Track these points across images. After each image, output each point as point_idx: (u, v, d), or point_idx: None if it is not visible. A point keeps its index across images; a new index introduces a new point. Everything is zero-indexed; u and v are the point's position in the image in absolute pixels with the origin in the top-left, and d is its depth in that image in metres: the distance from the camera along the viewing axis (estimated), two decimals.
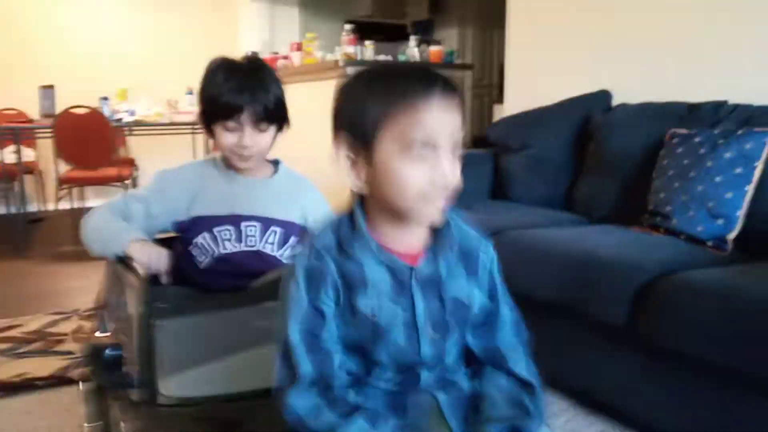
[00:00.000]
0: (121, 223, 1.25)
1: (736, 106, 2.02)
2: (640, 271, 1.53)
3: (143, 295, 1.01)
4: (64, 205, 4.36)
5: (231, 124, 1.22)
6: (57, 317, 2.52)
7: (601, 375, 1.61)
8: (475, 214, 2.23)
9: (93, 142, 3.68)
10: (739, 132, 1.85)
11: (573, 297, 1.64)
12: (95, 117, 3.62)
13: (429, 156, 0.73)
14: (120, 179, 3.87)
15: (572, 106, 2.59)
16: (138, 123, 4.01)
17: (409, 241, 0.81)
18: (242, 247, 1.25)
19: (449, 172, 0.74)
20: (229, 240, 1.25)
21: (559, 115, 2.61)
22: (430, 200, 0.75)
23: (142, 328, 0.98)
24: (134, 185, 4.16)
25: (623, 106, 2.42)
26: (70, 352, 2.15)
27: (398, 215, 0.78)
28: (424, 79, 0.74)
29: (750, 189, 1.79)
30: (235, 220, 1.26)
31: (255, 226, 1.27)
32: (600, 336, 1.59)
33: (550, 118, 2.62)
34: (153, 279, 1.18)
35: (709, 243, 1.81)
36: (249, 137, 1.23)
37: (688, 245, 1.82)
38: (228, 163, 1.31)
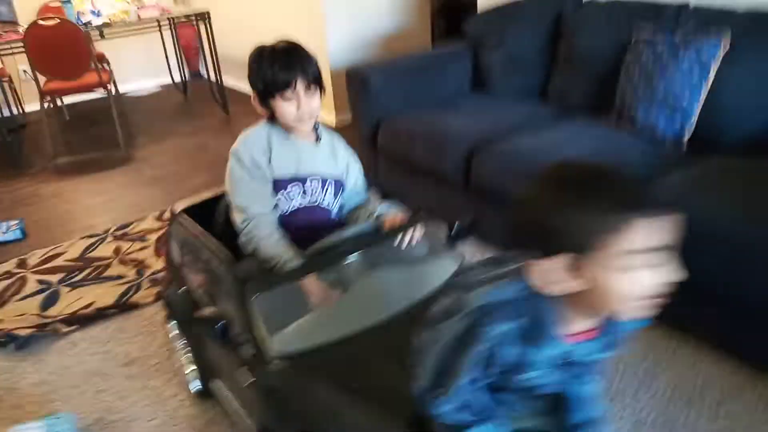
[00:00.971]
0: (270, 246, 1.42)
1: (697, 9, 2.21)
2: None
3: (245, 297, 1.24)
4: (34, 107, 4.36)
5: (288, 93, 1.43)
6: (92, 239, 2.79)
7: None
8: (461, 114, 2.53)
9: (68, 53, 3.65)
10: (697, 39, 2.07)
11: None
12: (67, 28, 3.56)
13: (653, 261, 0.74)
14: (101, 84, 3.89)
15: (545, 2, 2.72)
16: (107, 25, 3.93)
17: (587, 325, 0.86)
18: (306, 203, 1.53)
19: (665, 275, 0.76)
20: (298, 197, 1.52)
21: (532, 12, 2.75)
22: (647, 301, 0.77)
23: (242, 308, 1.25)
24: (115, 87, 4.20)
25: (592, 4, 2.57)
26: (120, 276, 2.46)
27: (600, 311, 0.82)
28: (633, 198, 0.76)
29: (704, 92, 2.06)
30: (302, 179, 1.52)
31: (317, 183, 1.54)
32: None
33: (524, 15, 2.77)
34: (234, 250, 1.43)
35: (669, 141, 2.12)
36: (305, 102, 1.46)
37: (651, 145, 2.12)
38: (287, 129, 1.51)
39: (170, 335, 1.80)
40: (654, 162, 1.96)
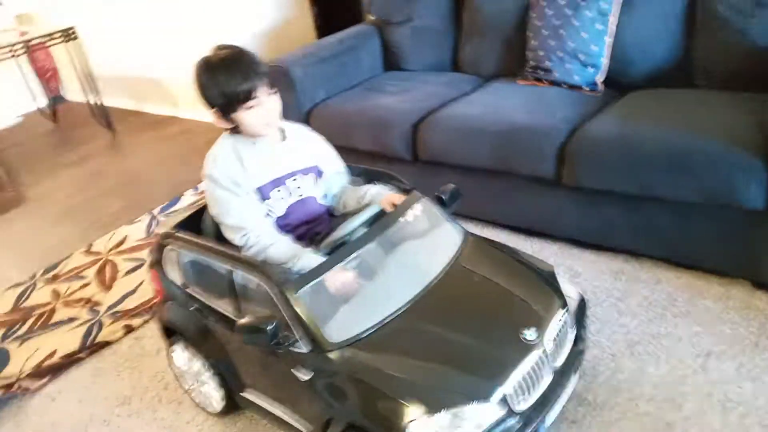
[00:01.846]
0: (281, 252, 1.40)
1: None
2: (556, 131, 2.03)
3: (289, 297, 1.25)
4: None
5: (252, 102, 1.41)
6: (19, 289, 2.56)
7: (539, 212, 2.18)
8: (388, 93, 2.61)
9: None
10: None
11: (506, 162, 2.12)
12: None
13: None
14: None
15: None
16: None
17: None
18: (294, 200, 1.53)
19: None
20: (284, 198, 1.52)
21: None
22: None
23: (287, 306, 1.26)
24: None
25: None
26: (72, 319, 2.29)
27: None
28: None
29: (608, 39, 2.31)
30: (282, 180, 1.51)
31: (296, 180, 1.54)
32: (533, 185, 2.12)
33: None
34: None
35: (586, 88, 2.36)
36: (269, 106, 1.44)
37: (570, 92, 2.34)
38: (253, 136, 1.48)
39: (175, 360, 1.73)
40: (582, 109, 2.18)
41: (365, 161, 2.59)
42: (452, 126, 2.26)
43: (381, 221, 1.42)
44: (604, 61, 2.32)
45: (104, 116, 4.36)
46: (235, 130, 1.48)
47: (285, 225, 1.52)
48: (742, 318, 1.73)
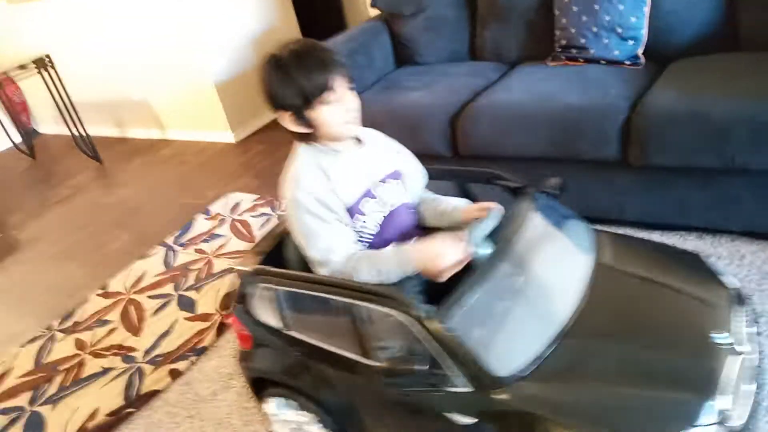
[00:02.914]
0: (381, 263, 1.23)
1: None
2: (615, 109, 1.91)
3: (438, 331, 1.06)
4: None
5: (331, 96, 1.23)
6: (37, 344, 2.33)
7: (602, 197, 2.05)
8: (412, 89, 2.46)
9: None
10: None
11: (564, 147, 1.99)
12: None
13: None
14: None
15: None
16: None
17: None
18: (384, 212, 1.35)
19: None
20: (376, 211, 1.34)
21: None
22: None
23: (434, 340, 1.06)
24: None
25: None
26: (108, 369, 2.09)
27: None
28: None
29: (647, 9, 2.20)
30: (370, 193, 1.34)
31: (384, 188, 1.37)
32: (594, 170, 2.00)
33: None
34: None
35: (627, 62, 2.24)
36: (351, 100, 1.27)
37: (610, 68, 2.23)
38: (332, 141, 1.31)
39: (273, 417, 1.53)
40: (632, 84, 2.06)
41: None
42: (497, 115, 2.13)
43: (507, 227, 1.21)
44: (644, 32, 2.22)
45: (89, 146, 4.10)
46: (310, 138, 1.30)
47: (382, 242, 1.33)
48: None
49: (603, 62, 2.28)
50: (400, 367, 1.08)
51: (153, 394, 1.92)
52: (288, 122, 1.28)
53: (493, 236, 1.18)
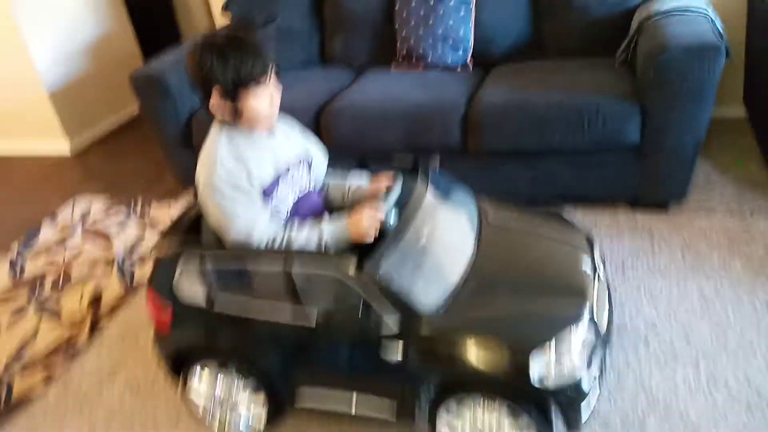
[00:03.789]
0: (302, 238, 1.35)
1: None
2: (456, 105, 2.27)
3: (371, 279, 1.24)
4: None
5: (262, 86, 1.32)
6: None
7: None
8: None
9: None
10: None
11: (416, 139, 2.29)
12: None
13: None
14: None
15: None
16: None
17: None
18: (297, 194, 1.47)
19: None
20: (290, 193, 1.44)
21: None
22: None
23: (371, 288, 1.24)
24: None
25: None
26: None
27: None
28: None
29: (471, 23, 2.62)
30: (285, 174, 1.43)
31: (296, 171, 1.47)
32: (444, 157, 2.32)
33: None
34: None
35: (458, 68, 2.64)
36: (276, 95, 1.38)
37: (445, 73, 2.61)
38: (251, 126, 1.38)
39: (197, 389, 1.56)
40: (464, 85, 2.44)
41: None
42: (356, 114, 2.38)
43: (416, 192, 1.44)
44: (471, 43, 2.63)
45: None
46: (231, 122, 1.37)
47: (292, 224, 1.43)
48: (633, 233, 2.14)
49: (439, 68, 2.65)
50: (337, 318, 1.23)
51: (27, 401, 1.84)
52: (214, 103, 1.34)
53: (398, 205, 1.39)
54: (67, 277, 2.43)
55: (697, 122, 2.02)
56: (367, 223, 1.33)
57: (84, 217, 2.88)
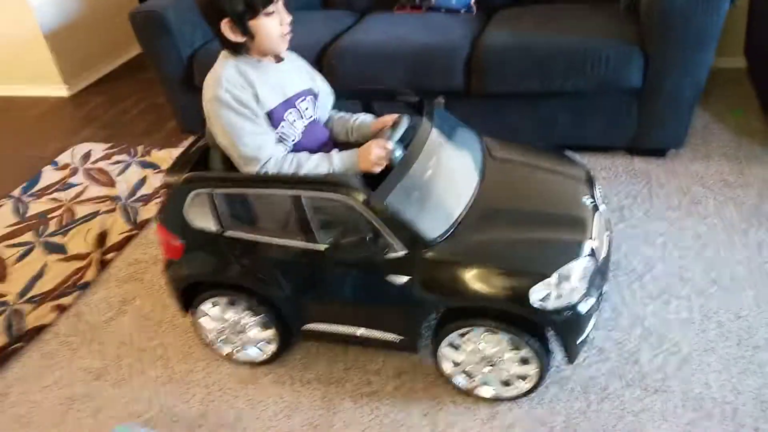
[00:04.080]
0: (312, 163, 1.37)
1: None
2: (460, 48, 2.26)
3: (377, 207, 1.26)
4: None
5: (270, 9, 1.32)
6: None
7: None
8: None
9: None
10: None
11: (420, 80, 2.29)
12: None
13: None
14: None
15: None
16: None
17: None
18: (305, 122, 1.48)
19: None
20: (296, 120, 1.46)
21: None
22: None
23: (379, 214, 1.27)
24: None
25: None
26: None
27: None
28: None
29: None
30: (291, 102, 1.45)
31: (304, 101, 1.49)
32: (446, 99, 2.34)
33: None
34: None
35: (462, 10, 2.62)
36: (286, 16, 1.37)
37: (449, 15, 2.59)
38: (263, 53, 1.39)
39: (207, 320, 1.61)
40: (468, 28, 2.43)
41: None
42: (360, 53, 2.37)
43: (422, 127, 1.45)
44: None
45: None
46: (242, 49, 1.38)
47: (302, 150, 1.45)
48: (630, 177, 2.18)
49: (443, 10, 2.63)
50: (345, 241, 1.25)
51: (40, 328, 1.89)
52: (226, 29, 1.33)
53: (404, 140, 1.40)
54: (71, 216, 2.46)
55: (697, 68, 2.04)
56: (376, 153, 1.35)
57: (85, 158, 2.89)
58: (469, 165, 1.50)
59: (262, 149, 1.36)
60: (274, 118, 1.41)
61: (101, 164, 2.82)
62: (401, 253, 1.31)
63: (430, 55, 2.27)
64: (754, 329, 1.56)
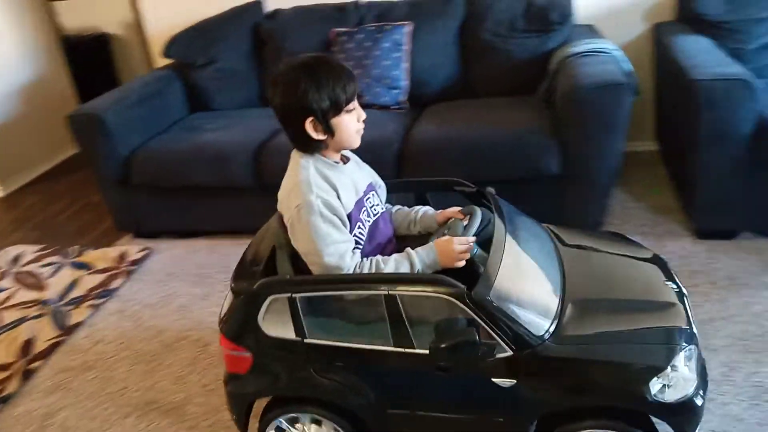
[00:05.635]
0: (392, 265, 1.33)
1: (370, 3, 2.90)
2: (390, 143, 2.38)
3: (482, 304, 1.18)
4: None
5: (351, 106, 1.34)
6: None
7: None
8: (209, 130, 2.66)
9: None
10: (388, 27, 2.75)
11: None
12: None
13: None
14: None
15: (235, 17, 3.05)
16: None
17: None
18: (371, 220, 1.44)
19: None
20: (368, 220, 1.42)
21: (228, 27, 3.03)
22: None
23: (484, 311, 1.18)
24: None
25: (280, 12, 3.02)
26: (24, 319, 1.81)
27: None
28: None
29: (405, 65, 2.76)
30: (362, 201, 1.42)
31: (369, 198, 1.46)
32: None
33: (222, 31, 3.01)
34: None
35: (394, 107, 2.76)
36: (361, 112, 1.39)
37: (382, 112, 2.72)
38: (336, 150, 1.40)
39: None
40: (399, 123, 2.57)
41: (206, 196, 2.62)
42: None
43: (495, 219, 1.39)
44: (405, 83, 2.77)
45: None
46: (319, 147, 1.36)
47: (369, 251, 1.41)
48: None
49: (375, 107, 2.77)
50: (449, 344, 1.16)
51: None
52: (309, 128, 1.32)
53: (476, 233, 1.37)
54: None
55: (611, 153, 2.20)
56: (458, 248, 1.31)
57: (14, 261, 2.79)
58: (548, 254, 1.42)
59: (344, 258, 1.31)
60: (352, 220, 1.37)
61: (31, 267, 2.73)
62: (507, 353, 1.20)
63: (364, 149, 2.33)
64: None
